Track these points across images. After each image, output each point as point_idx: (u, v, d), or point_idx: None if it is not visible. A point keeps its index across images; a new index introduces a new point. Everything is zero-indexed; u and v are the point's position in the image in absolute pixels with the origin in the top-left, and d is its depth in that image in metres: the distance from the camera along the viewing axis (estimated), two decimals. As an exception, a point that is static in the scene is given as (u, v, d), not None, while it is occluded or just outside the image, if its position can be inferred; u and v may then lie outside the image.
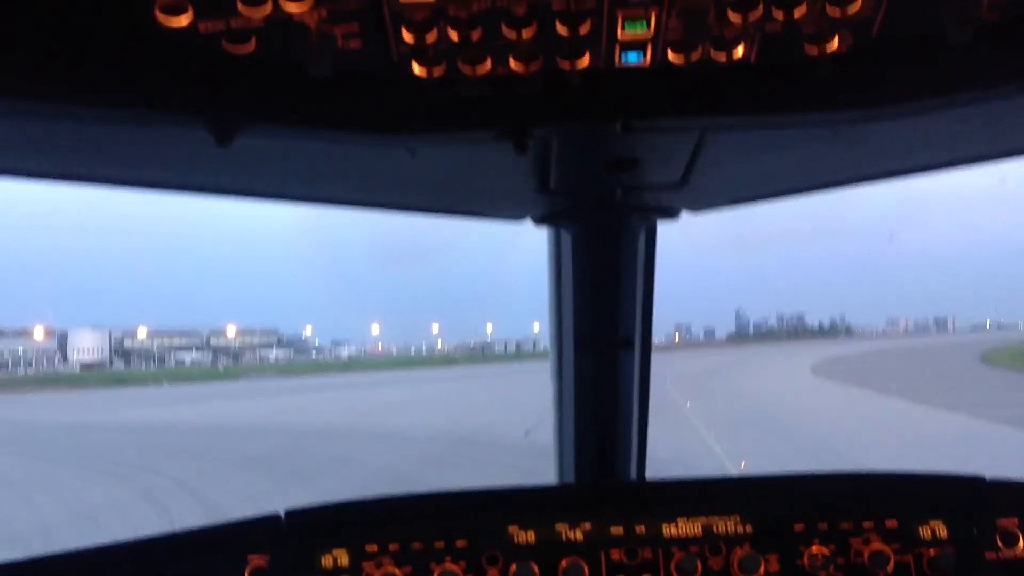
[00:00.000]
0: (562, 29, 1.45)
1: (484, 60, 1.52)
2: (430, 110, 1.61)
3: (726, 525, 2.43)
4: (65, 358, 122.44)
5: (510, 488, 2.61)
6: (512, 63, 1.52)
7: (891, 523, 2.44)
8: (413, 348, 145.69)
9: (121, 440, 29.11)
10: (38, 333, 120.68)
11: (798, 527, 2.43)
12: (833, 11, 1.45)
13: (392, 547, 2.37)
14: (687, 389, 40.18)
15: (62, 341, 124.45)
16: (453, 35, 1.46)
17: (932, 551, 2.40)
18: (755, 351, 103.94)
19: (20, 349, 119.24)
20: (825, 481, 2.67)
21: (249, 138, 1.58)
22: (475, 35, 1.46)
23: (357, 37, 1.47)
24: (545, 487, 2.79)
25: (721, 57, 1.52)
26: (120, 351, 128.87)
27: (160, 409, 44.18)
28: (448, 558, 2.36)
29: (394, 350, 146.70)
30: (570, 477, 2.96)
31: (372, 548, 2.37)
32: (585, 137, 1.88)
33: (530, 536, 2.40)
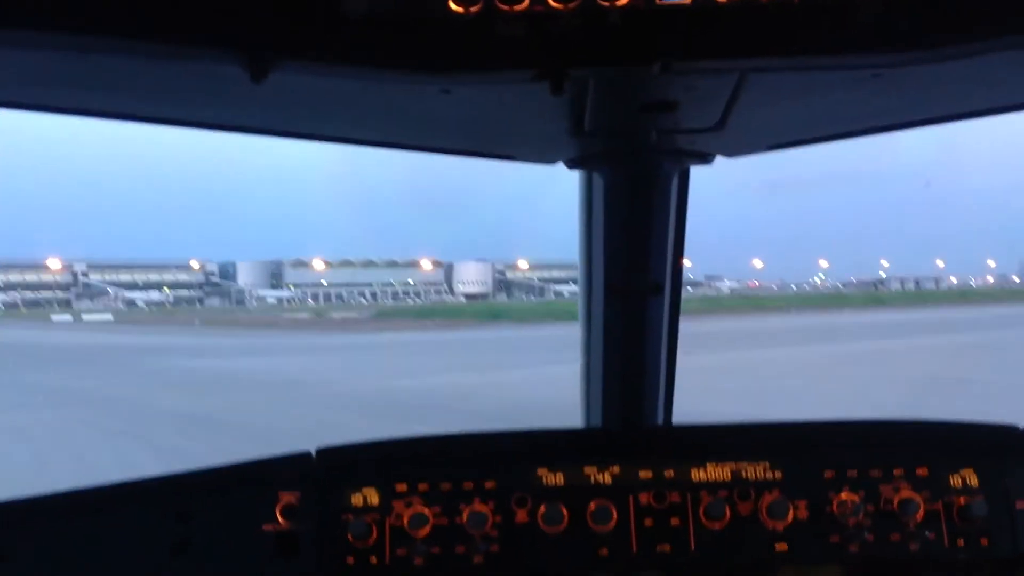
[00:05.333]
0: None
1: None
2: (466, 49, 1.53)
3: (755, 471, 2.39)
4: (451, 290, 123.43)
5: (539, 430, 2.57)
6: (550, 1, 1.47)
7: (922, 471, 2.40)
8: (794, 285, 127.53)
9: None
10: (426, 264, 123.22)
11: (828, 474, 2.40)
12: None
13: (421, 487, 2.35)
14: None
15: (448, 273, 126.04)
16: None
17: (962, 499, 2.36)
18: None
19: (410, 280, 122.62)
20: (856, 428, 2.61)
21: (283, 75, 1.54)
22: None
23: None
24: (574, 430, 2.80)
25: None
26: (502, 283, 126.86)
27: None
28: (477, 499, 2.35)
29: (774, 287, 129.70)
30: (597, 421, 2.86)
31: (401, 488, 2.35)
32: (622, 78, 1.77)
33: (559, 478, 2.38)
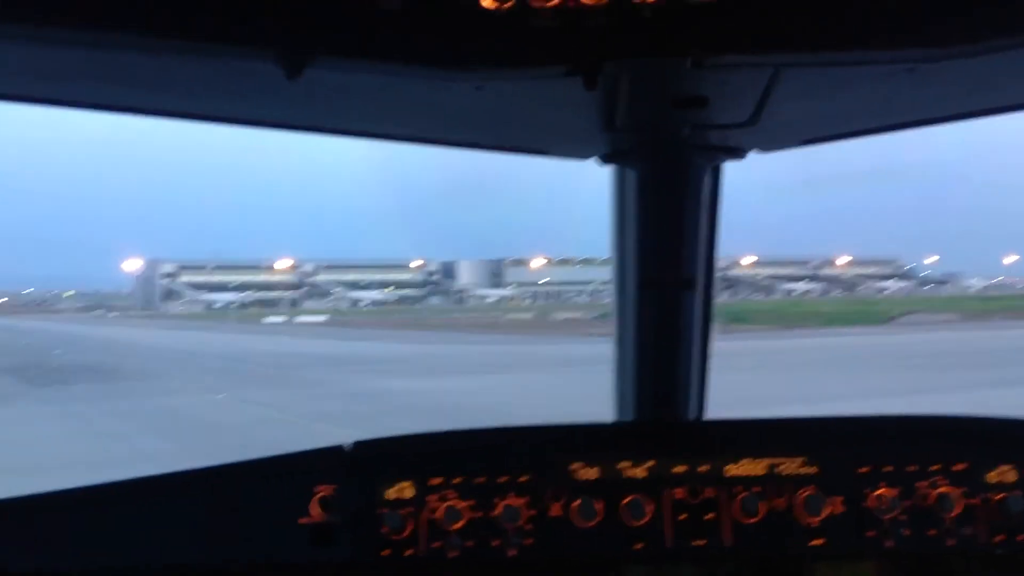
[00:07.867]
0: None
1: None
2: (499, 45, 1.53)
3: (790, 466, 2.36)
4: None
5: (573, 424, 2.55)
6: None
7: (959, 467, 2.35)
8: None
9: None
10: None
11: (863, 470, 2.35)
12: None
13: (456, 481, 2.34)
14: None
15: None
16: None
17: (1000, 495, 2.31)
18: None
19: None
20: (892, 423, 2.56)
21: (318, 71, 1.52)
22: None
23: None
24: (608, 424, 2.74)
25: None
26: (725, 279, 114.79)
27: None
28: (511, 493, 2.33)
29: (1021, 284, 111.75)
30: (628, 415, 2.78)
31: (436, 481, 2.34)
32: (654, 73, 1.76)
33: (593, 473, 2.35)
